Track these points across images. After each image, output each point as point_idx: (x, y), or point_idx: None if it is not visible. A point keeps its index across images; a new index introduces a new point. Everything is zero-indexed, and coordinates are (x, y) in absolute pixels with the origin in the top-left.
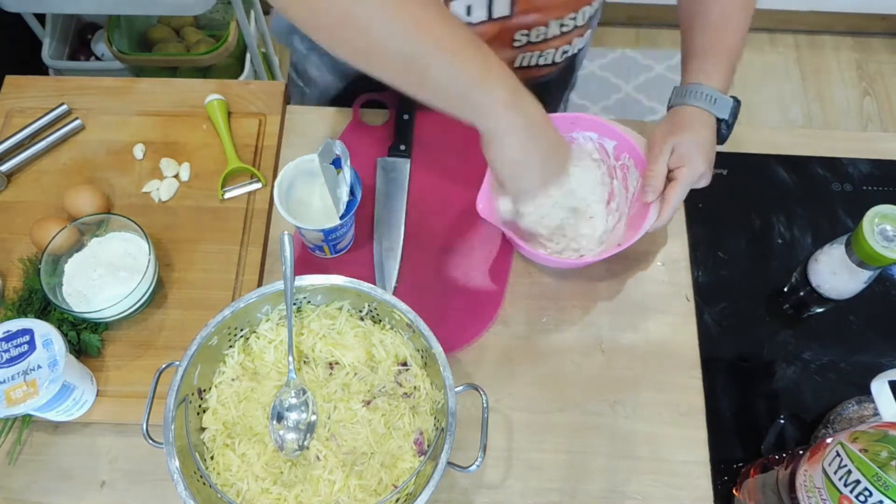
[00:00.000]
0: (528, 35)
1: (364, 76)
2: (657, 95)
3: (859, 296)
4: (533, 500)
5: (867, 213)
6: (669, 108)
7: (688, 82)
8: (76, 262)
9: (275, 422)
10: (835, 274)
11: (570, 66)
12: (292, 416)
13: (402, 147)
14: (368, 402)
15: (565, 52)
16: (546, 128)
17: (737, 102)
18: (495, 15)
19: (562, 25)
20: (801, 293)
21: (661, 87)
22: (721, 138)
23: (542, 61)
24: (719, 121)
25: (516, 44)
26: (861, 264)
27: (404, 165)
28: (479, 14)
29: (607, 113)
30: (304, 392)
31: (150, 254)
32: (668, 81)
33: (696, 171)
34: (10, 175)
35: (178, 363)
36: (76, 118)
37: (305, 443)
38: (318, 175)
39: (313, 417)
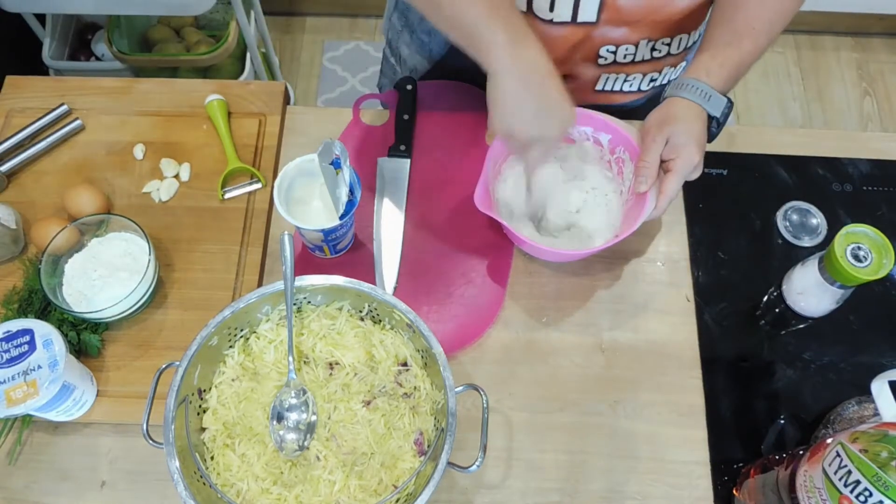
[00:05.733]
0: (614, 53)
1: (448, 58)
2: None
3: (859, 296)
4: (533, 500)
5: (839, 231)
6: (663, 98)
7: (687, 76)
8: (76, 263)
9: (275, 422)
10: (808, 292)
11: (656, 97)
12: (292, 417)
13: (403, 147)
14: (368, 403)
15: (653, 81)
16: (547, 80)
17: (730, 104)
18: (580, 18)
19: (653, 49)
20: (777, 310)
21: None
22: (710, 136)
23: (626, 87)
24: (710, 118)
25: (601, 61)
26: (834, 283)
27: (404, 165)
28: (564, 13)
29: None
30: (304, 392)
31: (150, 254)
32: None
33: (691, 162)
34: (10, 175)
35: (178, 363)
36: (76, 118)
37: (305, 443)
38: (317, 175)
39: (313, 417)
